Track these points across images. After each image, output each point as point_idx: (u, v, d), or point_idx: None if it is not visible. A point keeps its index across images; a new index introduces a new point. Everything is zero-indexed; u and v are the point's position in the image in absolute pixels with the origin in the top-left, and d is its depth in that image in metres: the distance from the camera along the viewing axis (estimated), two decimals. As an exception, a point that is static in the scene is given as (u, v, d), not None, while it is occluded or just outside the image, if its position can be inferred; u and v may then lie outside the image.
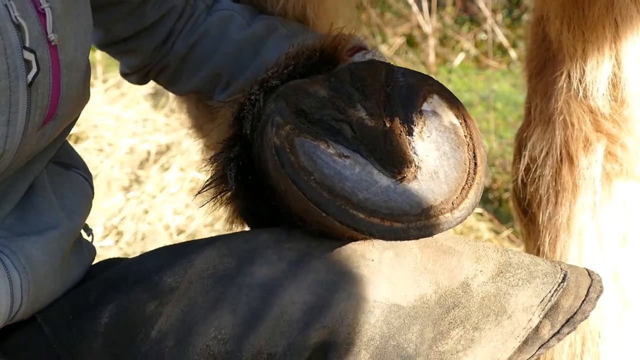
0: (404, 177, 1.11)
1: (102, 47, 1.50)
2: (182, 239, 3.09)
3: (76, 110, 1.22)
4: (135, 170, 3.51)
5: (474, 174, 1.15)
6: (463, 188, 1.14)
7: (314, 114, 1.15)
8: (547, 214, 1.55)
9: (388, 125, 1.15)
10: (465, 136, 1.18)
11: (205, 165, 1.28)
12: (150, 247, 2.97)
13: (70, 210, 1.24)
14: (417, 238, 1.11)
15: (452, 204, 1.12)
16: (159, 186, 3.37)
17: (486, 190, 3.60)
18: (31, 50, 1.06)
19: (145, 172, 3.49)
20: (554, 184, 1.53)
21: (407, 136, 1.15)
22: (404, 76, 1.21)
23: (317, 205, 1.09)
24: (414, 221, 1.10)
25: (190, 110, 1.74)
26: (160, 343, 1.13)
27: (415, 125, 1.16)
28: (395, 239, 1.11)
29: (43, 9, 1.08)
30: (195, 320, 1.13)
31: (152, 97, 4.08)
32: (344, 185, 1.09)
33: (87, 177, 1.32)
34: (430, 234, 1.11)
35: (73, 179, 1.29)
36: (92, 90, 4.39)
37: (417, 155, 1.14)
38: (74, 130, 3.67)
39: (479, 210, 3.36)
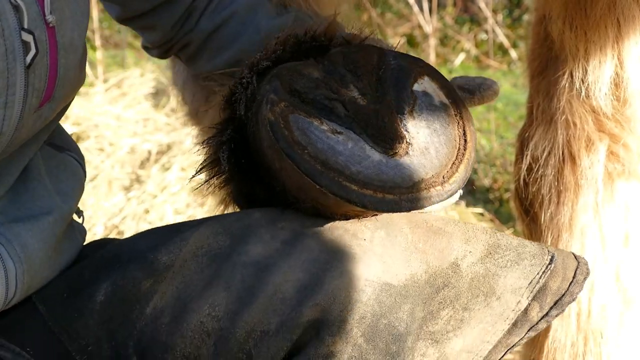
0: (396, 152, 1.13)
1: (122, 21, 1.50)
2: (183, 238, 3.09)
3: (72, 93, 1.21)
4: (136, 170, 3.51)
5: (464, 149, 1.17)
6: (453, 163, 1.16)
7: (307, 93, 1.17)
8: (549, 214, 1.55)
9: (380, 104, 1.18)
10: (455, 115, 1.20)
11: (198, 149, 1.29)
12: (151, 247, 2.97)
13: (65, 194, 1.23)
14: (409, 210, 1.12)
15: (443, 178, 1.14)
16: (159, 186, 3.37)
17: (487, 190, 3.60)
18: (29, 32, 1.05)
19: (146, 171, 3.49)
20: (556, 183, 1.53)
21: (399, 114, 1.17)
22: (396, 59, 1.23)
23: (311, 177, 1.11)
24: (405, 193, 1.12)
25: (186, 98, 1.75)
26: (156, 320, 1.14)
27: (406, 104, 1.18)
28: (387, 211, 1.12)
29: None
30: (190, 297, 1.14)
31: (153, 97, 4.09)
32: (337, 159, 1.12)
33: (80, 160, 1.32)
34: (421, 206, 1.13)
35: (67, 162, 1.28)
36: (92, 90, 4.41)
37: (408, 132, 1.16)
38: (74, 130, 3.67)
39: (479, 210, 3.36)
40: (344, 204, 1.12)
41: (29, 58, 1.06)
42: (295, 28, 1.29)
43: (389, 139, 1.14)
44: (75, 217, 1.31)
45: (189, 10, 1.45)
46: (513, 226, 3.15)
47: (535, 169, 1.54)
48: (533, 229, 1.59)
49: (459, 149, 1.17)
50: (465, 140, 1.18)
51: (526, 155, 1.55)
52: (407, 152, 1.14)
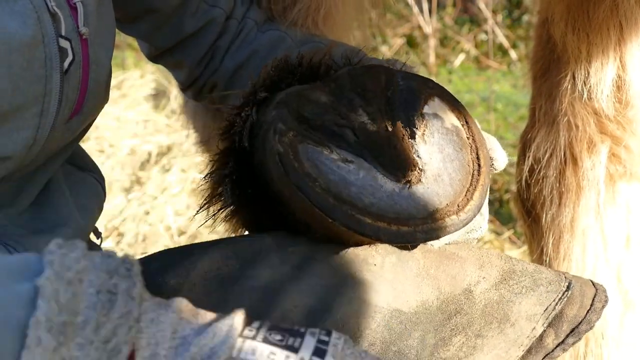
0: (409, 180, 1.11)
1: (152, 59, 1.51)
2: (183, 240, 3.10)
3: (98, 109, 1.23)
4: (136, 172, 3.51)
5: (478, 175, 1.15)
6: (468, 190, 1.13)
7: (315, 119, 1.14)
8: (550, 215, 1.55)
9: (390, 129, 1.15)
10: (467, 138, 1.17)
11: (200, 186, 1.26)
12: (151, 249, 2.97)
13: (84, 209, 1.24)
14: (425, 241, 1.10)
15: (458, 206, 1.11)
16: (160, 187, 3.37)
17: (487, 191, 3.59)
18: (67, 39, 1.08)
19: (146, 173, 3.49)
20: (557, 185, 1.54)
21: (410, 139, 1.14)
22: (404, 80, 1.20)
23: (324, 211, 1.07)
24: (420, 224, 1.09)
25: (197, 126, 1.76)
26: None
27: (417, 128, 1.15)
28: (403, 243, 1.10)
29: (75, 3, 1.10)
30: None
31: (153, 98, 4.09)
32: (349, 191, 1.08)
33: (100, 180, 1.33)
34: (437, 237, 1.10)
35: (87, 180, 1.30)
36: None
37: (420, 158, 1.13)
38: (75, 131, 3.67)
39: (479, 211, 3.35)
40: (357, 235, 1.09)
41: (66, 64, 1.09)
42: (287, 54, 1.25)
43: (401, 166, 1.11)
44: (93, 237, 1.31)
45: (212, 49, 1.46)
46: (513, 227, 3.15)
47: (537, 171, 1.54)
48: (534, 230, 1.60)
49: (472, 174, 1.14)
50: (479, 165, 1.15)
51: (528, 157, 1.55)
52: (419, 180, 1.11)
